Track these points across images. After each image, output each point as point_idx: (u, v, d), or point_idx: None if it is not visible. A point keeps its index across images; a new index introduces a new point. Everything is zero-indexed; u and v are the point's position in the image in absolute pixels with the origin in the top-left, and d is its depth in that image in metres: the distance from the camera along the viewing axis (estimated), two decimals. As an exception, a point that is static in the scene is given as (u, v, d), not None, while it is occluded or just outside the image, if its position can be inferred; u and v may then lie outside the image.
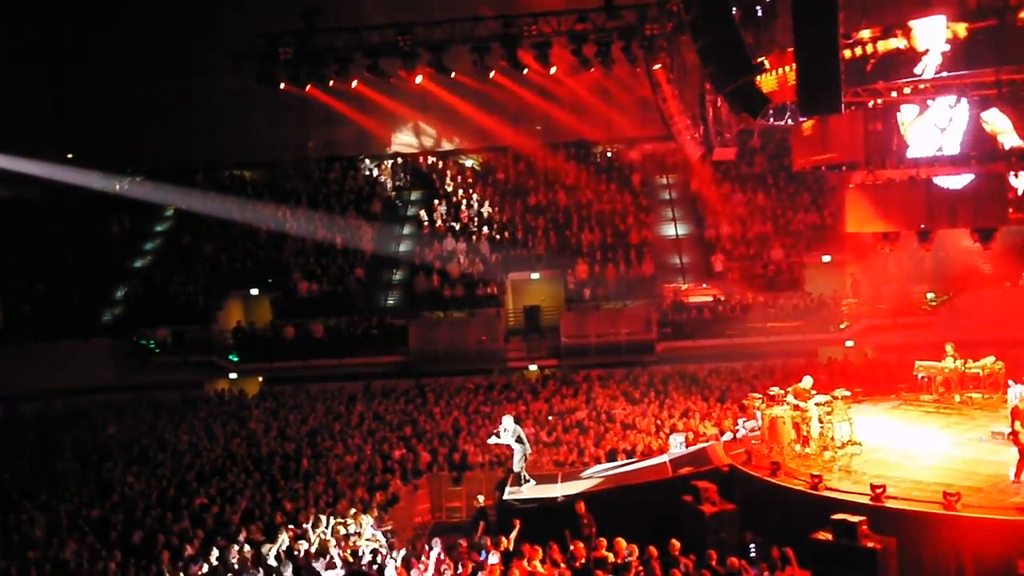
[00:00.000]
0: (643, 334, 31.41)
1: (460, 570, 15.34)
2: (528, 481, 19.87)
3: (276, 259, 35.58)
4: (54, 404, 30.51)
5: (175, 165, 39.88)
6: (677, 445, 21.32)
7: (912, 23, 17.32)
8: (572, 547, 16.00)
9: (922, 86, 18.65)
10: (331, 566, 15.96)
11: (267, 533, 17.88)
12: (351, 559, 16.27)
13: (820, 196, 35.71)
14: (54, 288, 34.71)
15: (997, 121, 18.52)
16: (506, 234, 35.59)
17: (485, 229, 36.01)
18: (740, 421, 22.20)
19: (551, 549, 15.91)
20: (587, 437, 24.09)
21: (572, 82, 33.36)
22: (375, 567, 15.98)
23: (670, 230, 36.45)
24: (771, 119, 20.56)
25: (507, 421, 20.06)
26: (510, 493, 19.51)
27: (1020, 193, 19.49)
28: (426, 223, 36.79)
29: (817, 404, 18.98)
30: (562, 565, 15.37)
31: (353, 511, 19.04)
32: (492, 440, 20.48)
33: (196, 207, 37.38)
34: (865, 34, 17.74)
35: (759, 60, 18.89)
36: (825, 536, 14.87)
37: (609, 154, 40.70)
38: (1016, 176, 19.38)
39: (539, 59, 25.57)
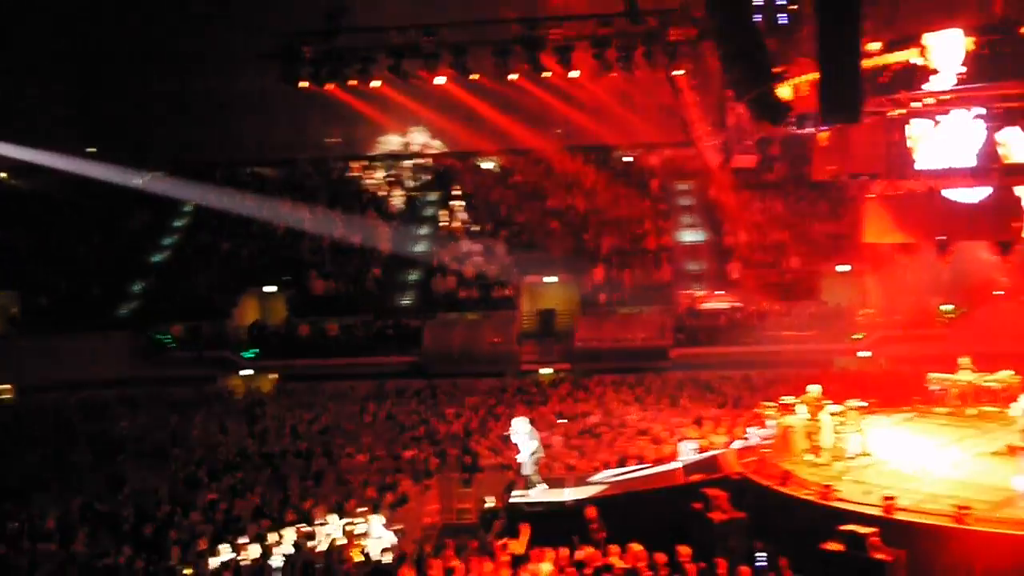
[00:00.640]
0: (657, 340, 31.40)
1: (469, 571, 15.32)
2: (538, 484, 19.83)
3: (293, 257, 35.70)
4: (70, 396, 30.61)
5: (195, 161, 40.15)
6: (688, 452, 21.24)
7: (927, 36, 17.20)
8: (580, 551, 15.96)
9: (939, 99, 18.52)
10: (339, 564, 15.98)
11: (276, 530, 17.92)
12: (359, 558, 16.28)
13: (838, 206, 35.50)
14: (72, 281, 34.93)
15: (1013, 135, 18.40)
16: (523, 236, 35.58)
17: (502, 231, 36.01)
18: (752, 429, 22.11)
19: (559, 553, 15.88)
20: (598, 442, 24.05)
21: (593, 86, 33.31)
22: (383, 566, 15.98)
23: (687, 236, 36.37)
24: (792, 127, 20.50)
25: (518, 423, 20.02)
26: (518, 496, 19.48)
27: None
28: (443, 224, 36.83)
29: (831, 414, 18.90)
30: (570, 569, 15.34)
31: (362, 510, 19.06)
32: (512, 438, 20.33)
33: (214, 203, 37.61)
34: (875, 46, 17.63)
35: (780, 69, 18.85)
36: (835, 547, 14.79)
37: (628, 159, 40.65)
38: None
39: (561, 63, 25.46)
